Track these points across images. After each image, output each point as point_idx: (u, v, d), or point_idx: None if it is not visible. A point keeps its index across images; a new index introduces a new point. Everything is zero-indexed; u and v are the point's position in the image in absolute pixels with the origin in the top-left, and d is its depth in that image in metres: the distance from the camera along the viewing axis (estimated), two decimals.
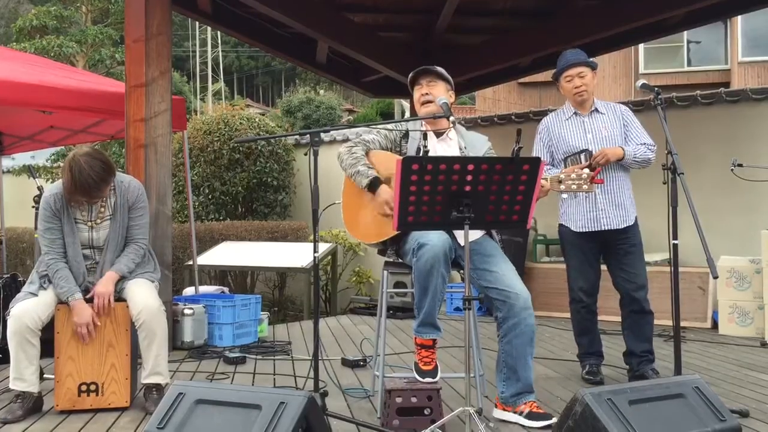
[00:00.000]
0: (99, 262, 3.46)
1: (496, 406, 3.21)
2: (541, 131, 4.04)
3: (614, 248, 3.88)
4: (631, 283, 3.85)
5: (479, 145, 3.43)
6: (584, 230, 3.88)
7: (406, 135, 3.37)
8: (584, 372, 4.02)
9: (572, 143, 3.89)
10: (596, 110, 3.94)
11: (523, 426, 3.06)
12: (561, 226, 4.02)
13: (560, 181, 3.08)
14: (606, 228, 3.82)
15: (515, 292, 3.05)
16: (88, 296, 3.37)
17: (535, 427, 3.02)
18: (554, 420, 2.99)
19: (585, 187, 3.05)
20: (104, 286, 3.36)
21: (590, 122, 3.92)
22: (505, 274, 3.10)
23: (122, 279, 3.45)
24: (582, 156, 3.81)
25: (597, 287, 3.99)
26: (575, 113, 3.96)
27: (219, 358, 4.62)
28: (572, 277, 4.00)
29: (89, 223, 3.45)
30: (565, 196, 3.15)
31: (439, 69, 3.35)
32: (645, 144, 3.85)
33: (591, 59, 4.00)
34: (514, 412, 3.10)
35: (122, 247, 3.50)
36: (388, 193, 3.15)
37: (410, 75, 3.38)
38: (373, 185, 3.20)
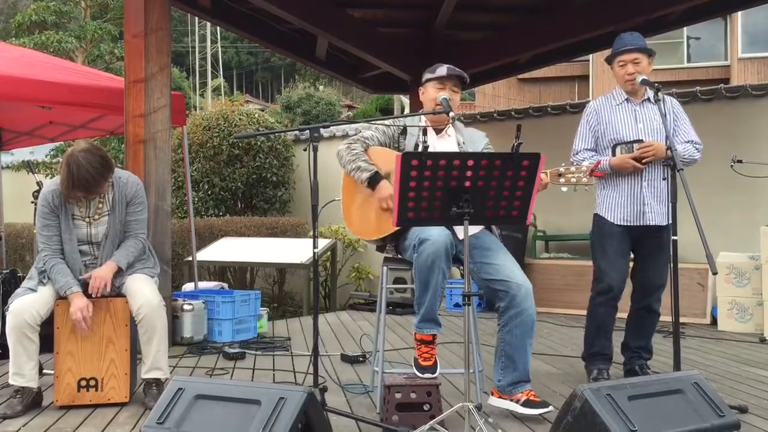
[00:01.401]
0: (97, 257, 3.45)
1: (492, 394, 3.22)
2: (589, 114, 3.85)
3: (646, 243, 3.76)
4: (649, 281, 3.76)
5: (477, 140, 3.44)
6: (627, 224, 3.72)
7: (404, 131, 3.37)
8: (592, 378, 3.81)
9: (621, 131, 3.72)
10: (648, 99, 3.75)
11: (519, 414, 3.07)
12: (597, 216, 3.85)
13: (560, 175, 3.07)
14: (651, 223, 3.68)
15: (516, 282, 3.06)
16: (83, 276, 3.37)
17: (532, 415, 3.03)
18: (551, 408, 3.01)
19: (585, 179, 3.04)
20: (103, 270, 3.36)
21: (642, 111, 3.74)
22: (506, 265, 3.11)
23: (121, 274, 3.45)
24: (635, 146, 3.65)
25: (624, 283, 3.77)
26: (627, 100, 3.77)
27: (218, 354, 4.63)
28: (604, 270, 3.77)
29: (87, 219, 3.44)
30: (564, 189, 3.12)
31: (468, 79, 3.34)
32: (691, 142, 3.68)
33: (646, 45, 3.74)
34: (511, 400, 3.11)
35: (120, 243, 3.50)
36: (388, 188, 3.16)
37: (439, 71, 3.31)
38: (373, 180, 3.21)
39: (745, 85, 6.76)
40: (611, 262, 3.76)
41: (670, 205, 3.69)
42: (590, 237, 3.94)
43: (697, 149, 3.70)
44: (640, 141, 3.66)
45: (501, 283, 3.08)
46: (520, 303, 3.05)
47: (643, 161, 3.63)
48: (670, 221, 3.65)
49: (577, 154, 3.85)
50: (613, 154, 3.71)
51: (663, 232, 3.73)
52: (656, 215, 3.70)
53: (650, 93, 3.71)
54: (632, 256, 3.86)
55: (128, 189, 3.49)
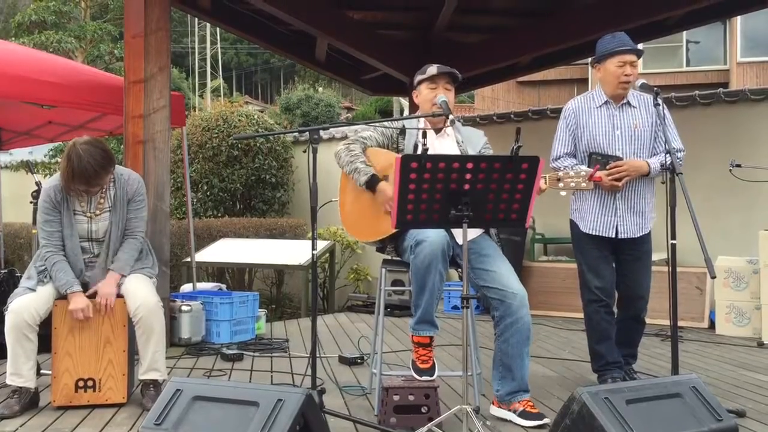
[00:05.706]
0: (99, 255, 3.45)
1: (492, 403, 3.23)
2: (568, 116, 3.74)
3: (624, 253, 3.70)
4: (633, 291, 3.70)
5: (476, 139, 3.45)
6: (597, 234, 3.65)
7: (402, 132, 3.37)
8: None
9: (597, 137, 3.62)
10: (628, 103, 3.65)
11: (517, 424, 3.06)
12: (572, 222, 3.78)
13: (558, 179, 3.07)
14: (621, 237, 3.62)
15: (512, 291, 3.06)
16: (87, 293, 3.36)
17: (527, 426, 3.03)
18: (547, 420, 3.00)
19: (584, 184, 3.04)
20: (108, 286, 3.36)
21: (620, 116, 3.63)
22: (502, 273, 3.11)
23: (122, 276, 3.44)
24: (610, 162, 3.55)
25: (614, 286, 3.70)
26: (606, 102, 3.65)
27: (216, 355, 4.62)
28: (587, 277, 3.69)
29: (88, 215, 3.44)
30: (563, 194, 3.12)
31: (460, 76, 3.34)
32: (673, 149, 3.49)
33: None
34: (509, 410, 3.12)
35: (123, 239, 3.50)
36: (387, 191, 3.13)
37: (429, 71, 3.30)
38: (372, 183, 3.20)
39: (744, 89, 6.77)
40: (593, 268, 3.69)
41: (649, 214, 3.63)
42: (571, 243, 3.86)
43: (678, 157, 3.51)
44: (616, 158, 3.55)
45: (496, 291, 3.08)
46: (515, 312, 3.05)
47: (620, 181, 3.51)
48: (646, 232, 3.65)
49: (557, 159, 3.74)
50: (588, 164, 3.60)
51: (639, 244, 3.67)
52: (628, 228, 3.62)
53: (630, 96, 3.64)
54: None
55: (130, 186, 3.49)
